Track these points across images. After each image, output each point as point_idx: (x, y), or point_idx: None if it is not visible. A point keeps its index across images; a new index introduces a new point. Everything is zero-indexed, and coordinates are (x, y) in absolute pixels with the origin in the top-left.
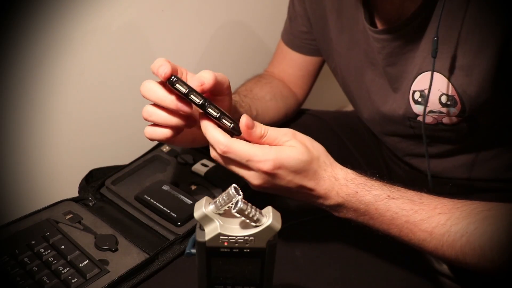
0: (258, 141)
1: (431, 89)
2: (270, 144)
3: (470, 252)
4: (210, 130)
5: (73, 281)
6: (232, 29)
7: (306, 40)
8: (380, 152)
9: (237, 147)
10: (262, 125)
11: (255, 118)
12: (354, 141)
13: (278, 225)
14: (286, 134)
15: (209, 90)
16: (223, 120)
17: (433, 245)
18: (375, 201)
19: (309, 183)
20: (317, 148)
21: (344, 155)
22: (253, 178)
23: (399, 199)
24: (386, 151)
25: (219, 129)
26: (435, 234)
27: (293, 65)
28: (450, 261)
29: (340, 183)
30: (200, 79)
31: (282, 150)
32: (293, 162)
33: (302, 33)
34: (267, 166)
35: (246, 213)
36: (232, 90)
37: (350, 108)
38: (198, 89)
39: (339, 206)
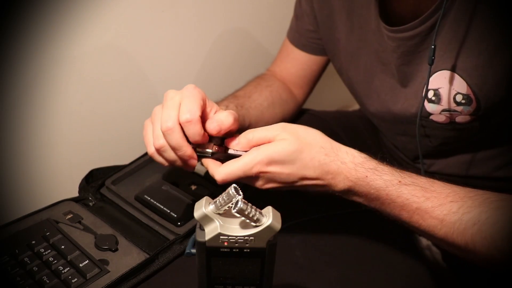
0: (248, 147)
1: (445, 88)
2: (262, 142)
3: (480, 241)
4: (209, 166)
5: (73, 281)
6: (232, 30)
7: (311, 39)
8: (380, 152)
9: (228, 171)
10: (246, 132)
11: (247, 128)
12: (354, 141)
13: (278, 225)
14: (275, 128)
15: (226, 131)
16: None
17: (443, 232)
18: (386, 187)
19: (309, 172)
20: (312, 135)
21: None
22: (255, 182)
23: (410, 186)
24: (387, 151)
25: (211, 164)
26: (446, 221)
27: (297, 64)
28: (459, 250)
29: (348, 167)
30: (218, 124)
31: (269, 147)
32: (282, 155)
33: (308, 31)
34: (258, 167)
35: (246, 213)
36: (231, 91)
37: (351, 108)
38: (214, 132)
39: (349, 191)
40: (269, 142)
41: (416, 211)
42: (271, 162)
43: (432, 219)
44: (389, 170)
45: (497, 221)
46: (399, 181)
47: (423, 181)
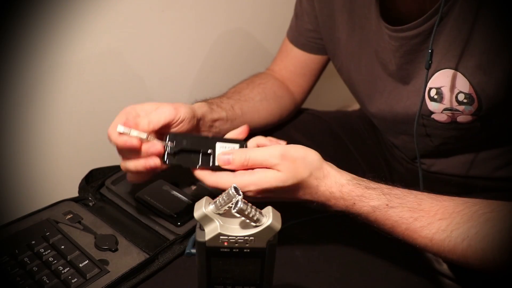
0: (243, 168)
1: (448, 87)
2: (258, 167)
3: (472, 255)
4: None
5: (73, 281)
6: (232, 30)
7: (311, 38)
8: (380, 151)
9: (221, 181)
10: (244, 151)
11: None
12: (354, 141)
13: (278, 225)
14: (274, 156)
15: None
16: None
17: (435, 250)
18: (373, 212)
19: (303, 197)
20: (310, 163)
21: (344, 155)
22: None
23: (397, 208)
24: (387, 151)
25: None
26: (435, 240)
27: (296, 63)
28: (453, 262)
29: (336, 196)
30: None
31: (263, 178)
32: (276, 187)
33: (308, 31)
34: (250, 193)
35: (246, 213)
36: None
37: (351, 108)
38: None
39: (340, 212)
40: (265, 167)
41: (406, 232)
42: (262, 191)
43: (421, 238)
44: (376, 194)
45: (487, 234)
46: (387, 205)
47: (411, 200)
